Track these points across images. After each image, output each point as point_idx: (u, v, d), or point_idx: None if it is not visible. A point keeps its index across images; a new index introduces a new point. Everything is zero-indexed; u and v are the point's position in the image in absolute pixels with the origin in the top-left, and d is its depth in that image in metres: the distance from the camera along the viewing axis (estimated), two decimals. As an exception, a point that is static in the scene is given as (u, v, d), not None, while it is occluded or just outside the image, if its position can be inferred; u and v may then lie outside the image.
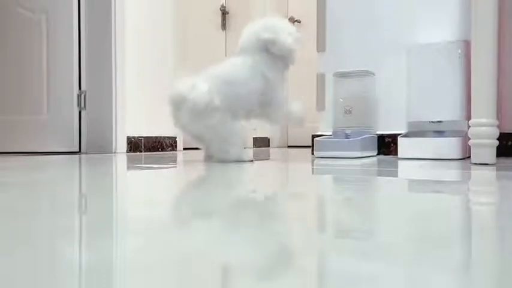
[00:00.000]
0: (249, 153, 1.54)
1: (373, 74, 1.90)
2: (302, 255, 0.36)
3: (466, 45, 1.66)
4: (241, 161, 1.42)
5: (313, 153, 1.90)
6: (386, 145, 1.92)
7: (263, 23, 1.52)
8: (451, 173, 1.11)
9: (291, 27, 1.52)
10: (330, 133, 1.92)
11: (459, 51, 1.69)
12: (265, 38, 1.46)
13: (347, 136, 1.80)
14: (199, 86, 1.36)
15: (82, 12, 2.43)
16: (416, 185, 0.92)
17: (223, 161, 1.42)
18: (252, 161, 1.48)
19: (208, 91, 1.35)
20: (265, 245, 0.39)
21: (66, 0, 2.42)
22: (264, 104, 1.48)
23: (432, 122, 1.71)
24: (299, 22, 4.06)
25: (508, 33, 1.66)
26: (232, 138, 1.41)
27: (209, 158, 1.48)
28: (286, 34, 1.49)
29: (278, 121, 1.59)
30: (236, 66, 1.47)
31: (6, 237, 0.41)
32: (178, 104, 1.38)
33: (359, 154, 1.72)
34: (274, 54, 1.47)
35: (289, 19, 4.09)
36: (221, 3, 3.66)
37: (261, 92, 1.45)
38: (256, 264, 0.33)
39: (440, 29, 1.82)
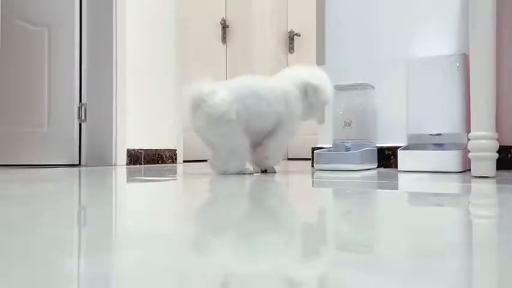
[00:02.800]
0: (251, 166, 1.54)
1: (373, 87, 1.91)
2: (301, 268, 0.35)
3: (465, 58, 1.67)
4: (242, 173, 1.43)
5: (313, 166, 1.90)
6: (386, 158, 1.92)
7: (310, 69, 1.57)
8: (451, 185, 1.11)
9: (330, 84, 1.58)
10: (330, 145, 1.92)
11: (457, 64, 1.70)
12: (310, 82, 1.49)
13: (347, 149, 1.80)
14: (220, 93, 1.36)
15: (83, 25, 2.46)
16: (416, 198, 0.92)
17: (225, 173, 1.42)
18: (252, 173, 1.48)
19: (228, 101, 1.36)
20: (265, 257, 0.38)
21: (68, 13, 2.44)
22: (273, 131, 1.49)
23: (432, 134, 1.71)
24: (299, 35, 4.09)
25: (506, 46, 1.67)
26: (238, 150, 1.41)
27: (213, 167, 1.48)
28: (329, 88, 1.54)
29: (271, 162, 1.55)
30: (270, 84, 1.50)
31: (5, 250, 0.41)
32: (196, 105, 1.37)
33: (359, 167, 1.72)
34: (308, 101, 1.51)
35: (289, 32, 4.13)
36: (221, 17, 3.69)
37: (279, 116, 1.46)
38: (255, 276, 0.33)
39: (438, 43, 1.84)
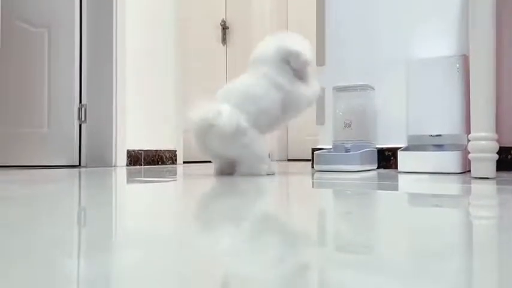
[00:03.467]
0: (272, 166, 1.57)
1: (373, 88, 1.91)
2: (302, 268, 0.35)
3: (465, 59, 1.67)
4: (270, 174, 1.47)
5: (313, 167, 1.90)
6: (386, 159, 1.92)
7: (283, 36, 1.53)
8: (451, 187, 1.11)
9: (308, 42, 1.53)
10: (330, 146, 1.92)
11: (457, 65, 1.70)
12: (290, 49, 1.44)
13: (347, 150, 1.80)
14: (224, 111, 1.34)
15: (83, 25, 2.46)
16: (416, 199, 0.92)
17: (253, 175, 1.41)
18: (274, 173, 1.53)
19: (234, 113, 1.34)
20: (265, 257, 0.38)
21: (68, 13, 2.44)
22: (288, 110, 1.47)
23: (432, 135, 1.72)
24: (299, 36, 4.08)
25: (506, 46, 1.68)
26: (262, 153, 1.43)
27: (224, 172, 1.47)
28: (307, 48, 1.49)
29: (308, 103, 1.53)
30: (251, 80, 1.46)
31: (5, 250, 0.41)
32: (205, 132, 1.35)
33: (359, 168, 1.72)
34: (291, 67, 1.46)
35: (289, 33, 4.12)
36: (221, 18, 3.69)
37: (281, 102, 1.44)
38: (255, 277, 0.33)
39: (438, 44, 1.84)
